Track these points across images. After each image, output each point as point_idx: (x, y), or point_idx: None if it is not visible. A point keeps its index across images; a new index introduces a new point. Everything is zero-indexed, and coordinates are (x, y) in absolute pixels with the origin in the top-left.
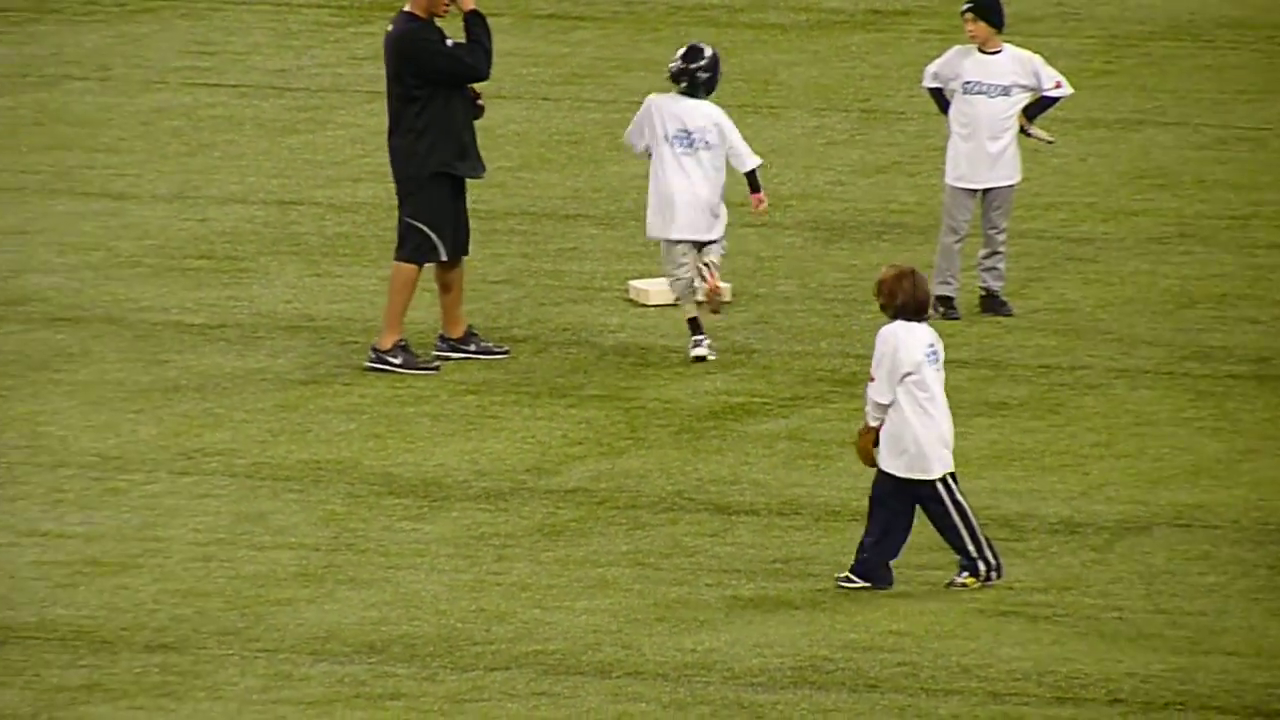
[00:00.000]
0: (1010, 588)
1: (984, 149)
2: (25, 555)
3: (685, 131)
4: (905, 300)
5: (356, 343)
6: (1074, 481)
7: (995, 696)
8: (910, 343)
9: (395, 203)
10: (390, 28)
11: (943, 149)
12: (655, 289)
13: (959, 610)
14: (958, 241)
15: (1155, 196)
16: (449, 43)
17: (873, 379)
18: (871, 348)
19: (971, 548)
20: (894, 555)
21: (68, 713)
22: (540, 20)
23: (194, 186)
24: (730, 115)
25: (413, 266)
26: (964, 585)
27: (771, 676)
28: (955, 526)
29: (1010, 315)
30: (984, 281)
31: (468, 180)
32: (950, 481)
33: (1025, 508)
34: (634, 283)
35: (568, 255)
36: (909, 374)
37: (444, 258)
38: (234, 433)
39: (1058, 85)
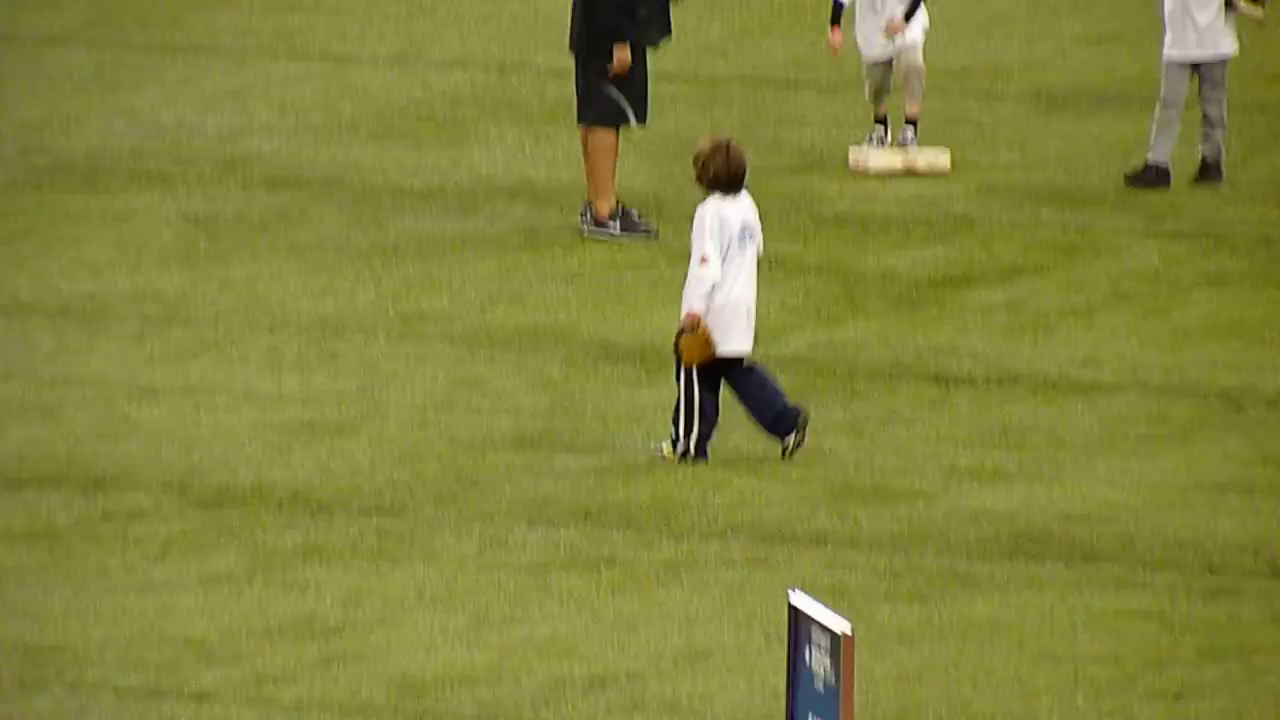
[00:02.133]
0: (1228, 460)
1: (1194, 20)
2: (243, 417)
3: None
4: (718, 172)
5: (574, 207)
6: None
7: (1212, 569)
8: (730, 217)
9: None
10: None
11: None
12: (875, 156)
13: (1176, 482)
14: (1171, 113)
15: None
16: None
17: (704, 259)
18: (1092, 219)
19: (683, 427)
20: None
21: (283, 575)
22: None
23: (414, 50)
24: None
25: (608, 130)
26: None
27: (987, 547)
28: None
29: (1218, 183)
30: (1199, 150)
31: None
32: (691, 371)
33: (1244, 380)
34: (854, 149)
35: (788, 122)
36: (725, 250)
37: (632, 124)
38: (452, 297)
39: None
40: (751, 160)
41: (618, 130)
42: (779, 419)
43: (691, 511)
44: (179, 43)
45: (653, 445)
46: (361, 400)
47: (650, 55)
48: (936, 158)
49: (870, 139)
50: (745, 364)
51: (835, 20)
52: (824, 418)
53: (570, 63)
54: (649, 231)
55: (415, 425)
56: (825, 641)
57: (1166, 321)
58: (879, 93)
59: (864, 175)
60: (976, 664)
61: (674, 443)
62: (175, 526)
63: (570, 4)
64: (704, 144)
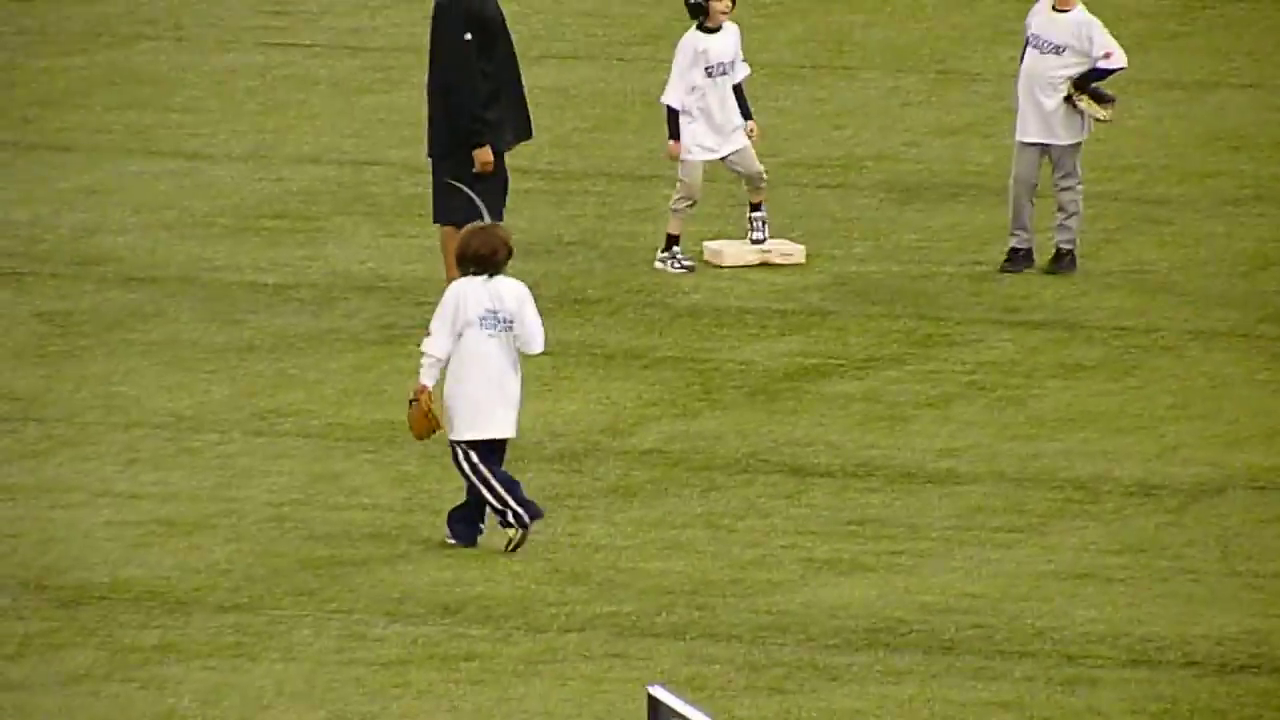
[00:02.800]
0: (1085, 550)
1: (1040, 105)
2: (99, 515)
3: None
4: (467, 253)
5: (430, 303)
6: (1149, 444)
7: (1070, 659)
8: (468, 298)
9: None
10: None
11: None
12: (730, 250)
13: (1033, 573)
14: (1021, 188)
15: (1231, 158)
16: (468, 38)
17: (429, 333)
18: (947, 310)
19: (500, 508)
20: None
21: (141, 673)
22: None
23: (268, 146)
24: (805, 75)
25: (455, 229)
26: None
27: (846, 638)
28: (469, 498)
29: (1072, 272)
30: (1054, 239)
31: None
32: (471, 450)
33: (1100, 470)
34: (709, 244)
35: (643, 216)
36: (463, 331)
37: (488, 220)
38: (308, 393)
39: (1108, 55)
40: (606, 254)
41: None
42: (469, 529)
43: (550, 605)
44: (32, 140)
45: (505, 546)
46: (218, 497)
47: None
48: (791, 250)
49: (672, 260)
50: (497, 454)
51: (674, 134)
52: (681, 510)
53: (426, 161)
54: None
55: (272, 521)
56: None
57: (1023, 411)
58: (693, 202)
59: (719, 267)
60: None
61: (506, 524)
62: (32, 625)
63: (426, 107)
64: (466, 228)
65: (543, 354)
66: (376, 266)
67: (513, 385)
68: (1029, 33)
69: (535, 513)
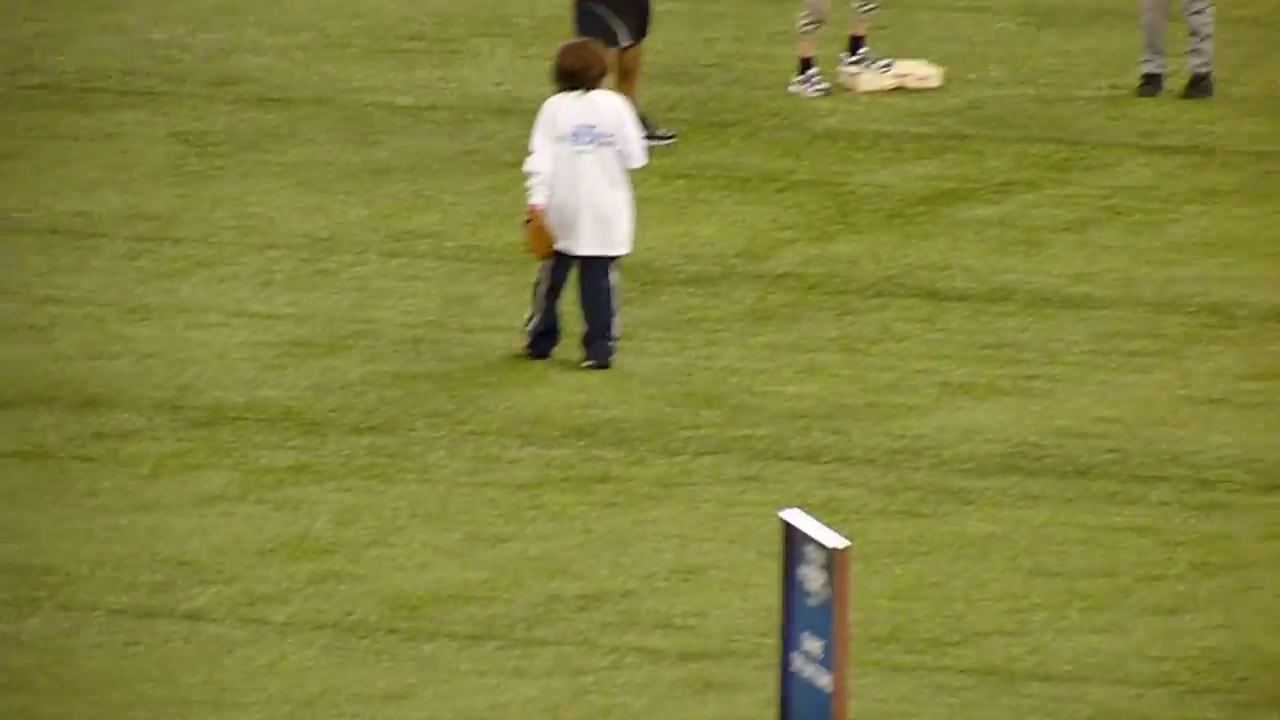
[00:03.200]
0: (1221, 375)
1: None
2: (235, 336)
3: None
4: (561, 68)
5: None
6: None
7: (1204, 484)
8: (560, 114)
9: None
10: None
11: None
12: (866, 75)
13: (1168, 397)
14: (1158, 18)
15: None
16: None
17: (531, 150)
18: (1083, 134)
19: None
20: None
21: (276, 494)
22: None
23: None
24: None
25: None
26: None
27: (980, 462)
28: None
29: (1208, 97)
30: (1189, 64)
31: None
32: (552, 262)
33: (1236, 295)
34: (844, 69)
35: (779, 39)
36: (556, 147)
37: (621, 42)
38: (444, 215)
39: None
40: (743, 76)
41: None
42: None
43: (685, 428)
44: None
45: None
46: (354, 318)
47: None
48: (927, 74)
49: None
50: (595, 270)
51: None
52: (816, 334)
53: None
54: (673, 139)
55: (408, 343)
56: (819, 558)
57: (1159, 236)
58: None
59: (853, 92)
60: (970, 580)
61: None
62: (167, 446)
63: None
64: (564, 43)
65: (678, 177)
66: (512, 88)
67: (609, 201)
68: None
69: (538, 352)
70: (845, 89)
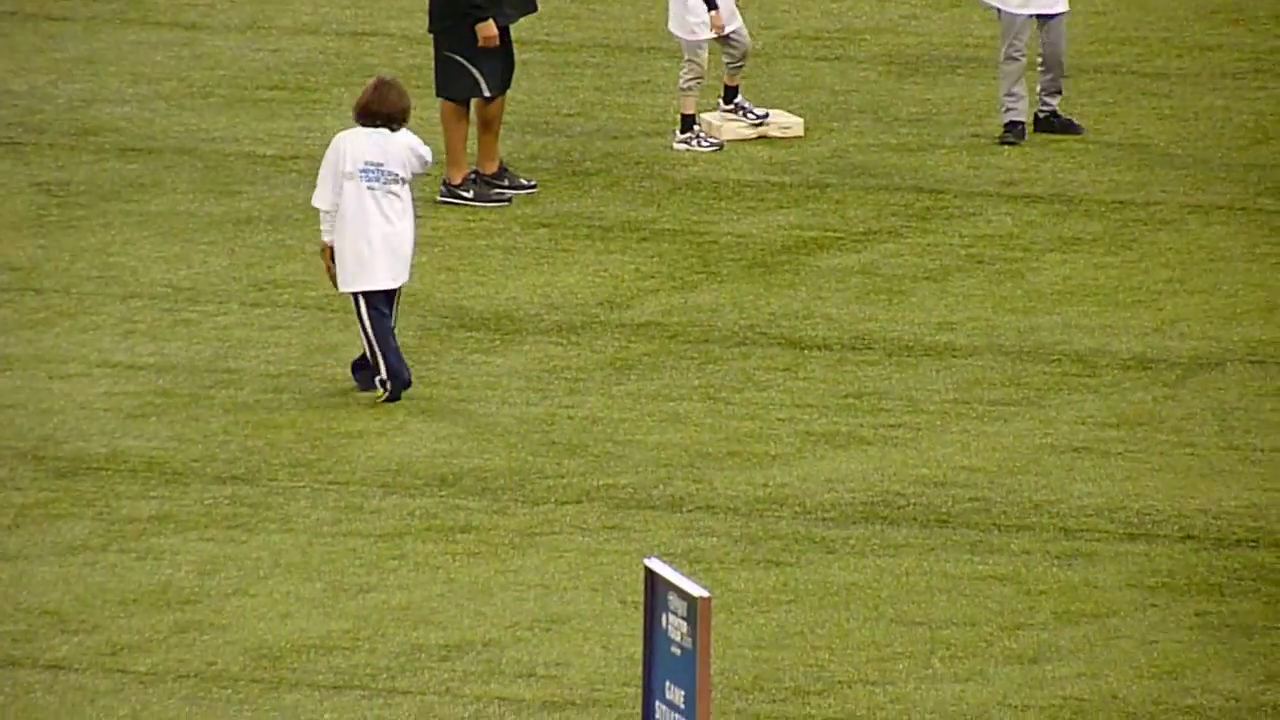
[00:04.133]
0: (1083, 423)
1: None
2: (97, 386)
3: None
4: (359, 101)
5: (429, 176)
6: (1147, 317)
7: (1067, 532)
8: (348, 149)
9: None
10: None
11: None
12: (728, 124)
13: (1030, 446)
14: (1016, 65)
15: (1230, 31)
16: None
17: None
18: (945, 183)
19: (374, 365)
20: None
21: (138, 543)
22: None
23: (266, 17)
24: None
25: (455, 104)
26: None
27: (843, 511)
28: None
29: (1079, 133)
30: (1048, 105)
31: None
32: (361, 299)
33: (1098, 343)
34: (707, 116)
35: (641, 88)
36: (344, 184)
37: (487, 94)
38: (305, 264)
39: None
40: (605, 126)
41: (468, 102)
42: (368, 378)
43: (548, 477)
44: (30, 10)
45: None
46: (216, 368)
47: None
48: (789, 123)
49: (696, 140)
50: (385, 305)
51: (712, 5)
52: (679, 383)
53: (425, 30)
54: (504, 201)
55: (269, 391)
56: (682, 607)
57: (1020, 284)
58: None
59: (716, 140)
60: (833, 628)
61: (380, 382)
62: (30, 496)
63: None
64: (372, 81)
65: (539, 226)
66: None
67: (397, 236)
68: None
69: (402, 382)
70: (709, 137)
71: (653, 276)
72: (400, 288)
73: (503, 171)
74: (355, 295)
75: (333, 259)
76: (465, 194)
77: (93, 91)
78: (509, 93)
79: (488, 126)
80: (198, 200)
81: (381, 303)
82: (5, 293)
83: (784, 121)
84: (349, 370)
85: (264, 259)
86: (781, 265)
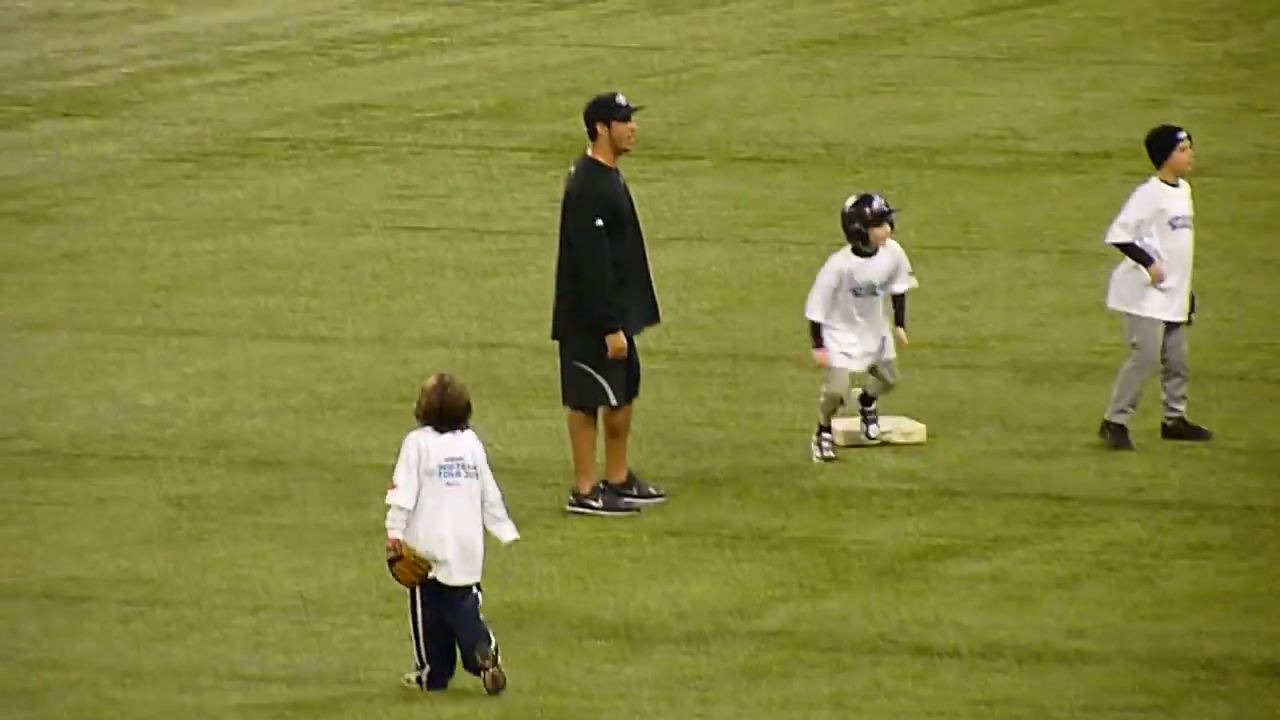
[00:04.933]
0: None
1: (1182, 283)
2: (228, 699)
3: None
4: (428, 406)
5: (557, 485)
6: (1278, 623)
7: None
8: (430, 448)
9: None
10: (571, 169)
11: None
12: (849, 429)
13: None
14: (1146, 372)
15: None
16: (599, 224)
17: (392, 485)
18: (1074, 490)
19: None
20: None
21: None
22: (740, 163)
23: (395, 329)
24: (930, 257)
25: (583, 413)
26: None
27: None
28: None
29: (1207, 439)
30: (1175, 410)
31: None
32: (419, 591)
33: (1229, 649)
34: (836, 423)
35: (769, 397)
36: (423, 481)
37: (614, 403)
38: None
39: None
40: (732, 435)
41: (596, 411)
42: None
43: None
44: (160, 326)
45: (401, 678)
46: (346, 680)
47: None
48: (911, 428)
49: (820, 446)
50: (464, 596)
51: (819, 343)
52: (809, 691)
53: (554, 341)
54: (633, 510)
55: (401, 704)
56: None
57: (1151, 591)
58: (840, 403)
59: (839, 447)
60: None
61: (418, 668)
62: None
63: (555, 290)
64: (428, 381)
65: (669, 535)
66: (504, 448)
67: (470, 534)
68: (1168, 216)
69: (438, 684)
70: (829, 450)
71: (782, 585)
72: (466, 588)
73: (631, 481)
74: (416, 589)
75: (409, 554)
76: (594, 504)
77: (223, 405)
78: (635, 402)
79: (615, 435)
80: (328, 512)
81: (437, 594)
82: (136, 606)
83: (906, 428)
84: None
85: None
86: (910, 572)
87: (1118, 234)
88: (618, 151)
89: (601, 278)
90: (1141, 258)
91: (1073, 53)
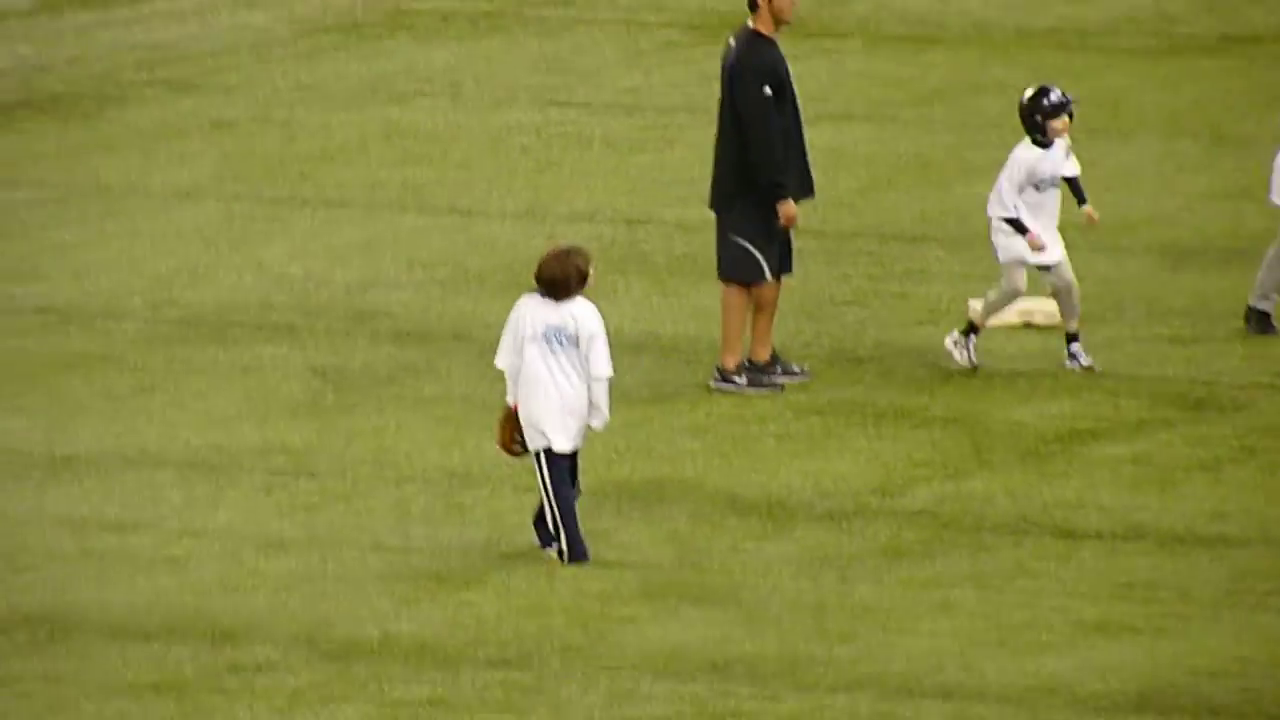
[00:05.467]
0: None
1: None
2: (370, 569)
3: None
4: (540, 273)
5: (702, 362)
6: None
7: None
8: (529, 316)
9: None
10: (731, 42)
11: None
12: (990, 315)
13: None
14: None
15: None
16: (766, 92)
17: (499, 350)
18: (1218, 374)
19: (553, 530)
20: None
21: None
22: (889, 41)
23: (542, 204)
24: (1079, 139)
25: (738, 287)
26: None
27: (1115, 701)
28: (542, 504)
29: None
30: None
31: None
32: (543, 459)
33: None
34: (974, 302)
35: (915, 277)
36: (524, 348)
37: (768, 278)
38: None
39: None
40: (878, 314)
41: (749, 287)
42: (548, 534)
43: (818, 665)
44: (307, 196)
45: (545, 553)
46: (489, 553)
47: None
48: (1053, 310)
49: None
50: (568, 469)
51: (1023, 229)
52: (950, 570)
53: (701, 218)
54: (777, 387)
55: (542, 577)
56: None
57: None
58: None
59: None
60: None
61: (552, 545)
62: (303, 679)
63: (713, 160)
64: (549, 251)
65: (812, 413)
66: (648, 325)
67: (575, 400)
68: None
69: (580, 554)
70: (974, 322)
71: (925, 464)
72: (575, 455)
73: (775, 359)
74: (535, 453)
75: (517, 422)
76: (739, 379)
77: (369, 276)
78: (784, 279)
79: (762, 311)
80: (472, 385)
81: (559, 463)
82: (281, 475)
83: (1049, 309)
84: (541, 532)
85: None
86: (1054, 454)
87: None
88: (778, 23)
89: (771, 146)
90: None
91: None
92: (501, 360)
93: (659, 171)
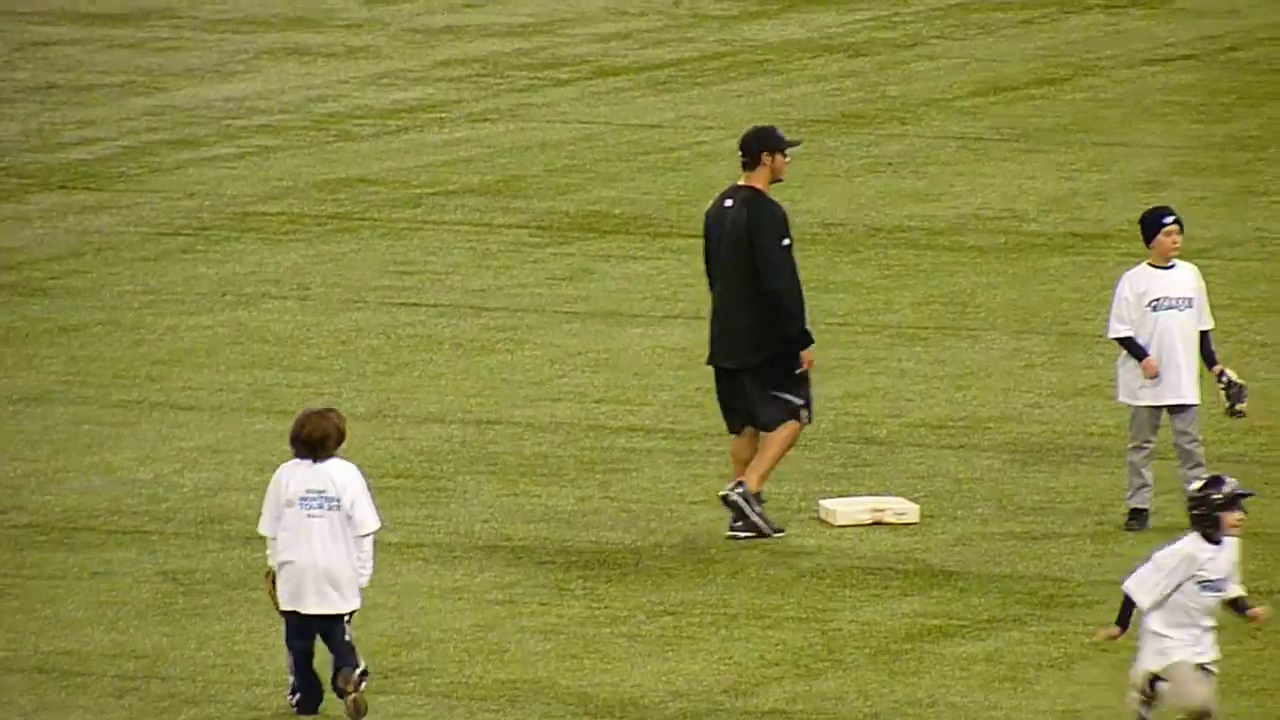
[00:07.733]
0: None
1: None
2: None
3: None
4: (299, 433)
5: (553, 563)
6: (1273, 707)
7: None
8: (287, 480)
9: (593, 422)
10: (729, 203)
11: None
12: (843, 509)
13: None
14: (1143, 454)
15: None
16: (785, 244)
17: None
18: (1069, 571)
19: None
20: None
21: None
22: None
23: (391, 405)
24: (928, 337)
25: (794, 424)
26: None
27: None
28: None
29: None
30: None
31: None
32: (289, 620)
33: None
34: (824, 502)
35: (768, 477)
36: (283, 512)
37: (808, 419)
38: (430, 652)
39: None
40: (727, 514)
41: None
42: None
43: None
44: (156, 400)
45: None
46: None
47: None
48: (905, 508)
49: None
50: (331, 625)
51: (1139, 356)
52: None
53: (551, 418)
54: (779, 531)
55: None
56: None
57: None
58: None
59: (835, 527)
60: None
61: (292, 694)
62: None
63: (720, 318)
64: (304, 411)
65: (664, 613)
66: (499, 526)
67: (331, 562)
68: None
69: (306, 709)
70: (823, 522)
71: (777, 664)
72: (332, 617)
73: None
74: (284, 614)
75: (274, 583)
76: (757, 508)
77: (219, 480)
78: (633, 479)
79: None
80: None
81: (303, 625)
82: (130, 680)
83: (899, 508)
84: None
85: (389, 646)
86: (906, 652)
87: (1115, 329)
88: (773, 182)
89: (799, 295)
90: (1137, 352)
91: (1073, 134)
92: (263, 527)
93: (509, 372)
